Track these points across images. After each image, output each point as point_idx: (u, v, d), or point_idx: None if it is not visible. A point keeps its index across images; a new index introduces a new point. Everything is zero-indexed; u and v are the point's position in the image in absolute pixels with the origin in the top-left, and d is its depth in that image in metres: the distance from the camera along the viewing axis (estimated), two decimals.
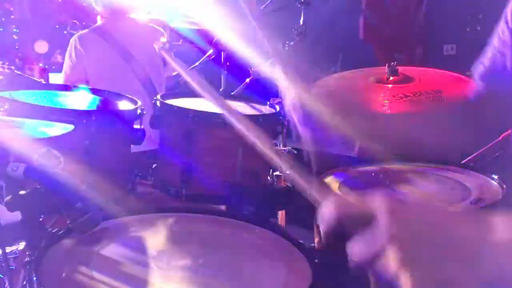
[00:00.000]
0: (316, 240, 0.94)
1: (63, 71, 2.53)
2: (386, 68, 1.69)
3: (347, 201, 0.66)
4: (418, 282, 0.58)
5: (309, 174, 0.70)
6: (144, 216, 1.23)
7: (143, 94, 2.35)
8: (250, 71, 2.03)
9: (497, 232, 0.60)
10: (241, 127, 0.83)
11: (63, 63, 2.64)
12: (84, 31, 2.60)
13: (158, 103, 1.59)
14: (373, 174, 1.70)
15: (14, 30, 4.78)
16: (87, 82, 2.42)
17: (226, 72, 2.03)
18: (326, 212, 0.66)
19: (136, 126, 1.54)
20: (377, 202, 0.62)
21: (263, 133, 0.82)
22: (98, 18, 2.59)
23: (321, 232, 0.73)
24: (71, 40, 2.48)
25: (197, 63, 2.15)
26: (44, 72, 4.66)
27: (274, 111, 1.66)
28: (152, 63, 2.44)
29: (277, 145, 1.91)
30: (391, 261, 0.58)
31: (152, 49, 2.04)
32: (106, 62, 2.44)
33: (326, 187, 0.70)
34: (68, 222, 0.96)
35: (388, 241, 0.59)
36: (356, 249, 0.62)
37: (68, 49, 2.47)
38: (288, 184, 1.92)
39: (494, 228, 0.60)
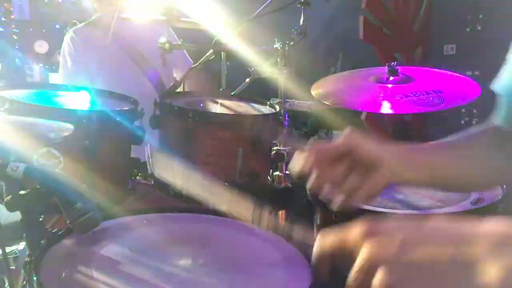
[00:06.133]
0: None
1: (61, 74, 2.35)
2: (386, 68, 1.69)
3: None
4: None
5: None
6: (144, 216, 1.23)
7: (154, 94, 2.25)
8: (250, 71, 2.03)
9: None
10: None
11: None
12: (78, 25, 2.41)
13: (158, 103, 1.59)
14: None
15: (14, 30, 4.78)
16: (91, 81, 2.28)
17: (226, 72, 2.03)
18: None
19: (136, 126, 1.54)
20: (354, 232, 0.62)
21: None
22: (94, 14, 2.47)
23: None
24: (65, 38, 2.31)
25: (197, 63, 2.14)
26: (44, 72, 4.67)
27: (274, 111, 1.66)
28: (157, 62, 2.35)
29: (277, 145, 1.91)
30: (379, 285, 0.56)
31: (155, 47, 1.98)
32: (109, 59, 2.31)
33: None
34: (68, 222, 0.96)
35: (373, 265, 0.57)
36: (351, 280, 0.61)
37: (65, 48, 2.30)
38: (288, 184, 1.92)
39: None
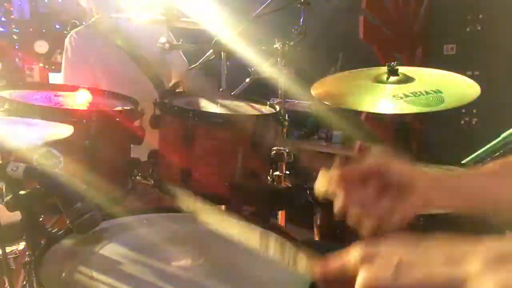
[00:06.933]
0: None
1: (62, 76, 2.35)
2: (386, 68, 1.69)
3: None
4: None
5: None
6: (144, 216, 1.23)
7: (154, 94, 2.25)
8: (250, 71, 2.03)
9: None
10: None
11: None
12: (79, 27, 2.42)
13: (158, 103, 1.59)
14: None
15: (14, 30, 4.78)
16: (94, 82, 2.27)
17: (226, 72, 2.03)
18: None
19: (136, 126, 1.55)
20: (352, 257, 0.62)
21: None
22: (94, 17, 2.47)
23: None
24: (67, 40, 2.32)
25: (197, 63, 2.15)
26: (44, 72, 4.67)
27: (274, 111, 1.66)
28: (158, 62, 2.34)
29: (277, 145, 1.91)
30: None
31: (155, 47, 1.97)
32: (113, 60, 2.31)
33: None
34: (68, 222, 0.96)
35: None
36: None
37: (67, 49, 2.31)
38: (288, 184, 1.92)
39: None
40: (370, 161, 0.84)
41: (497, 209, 0.90)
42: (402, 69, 1.69)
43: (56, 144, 1.04)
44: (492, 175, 0.91)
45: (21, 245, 1.99)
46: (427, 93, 1.60)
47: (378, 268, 0.59)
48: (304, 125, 4.34)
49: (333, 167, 0.85)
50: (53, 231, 1.04)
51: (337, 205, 0.83)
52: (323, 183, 0.86)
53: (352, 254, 0.62)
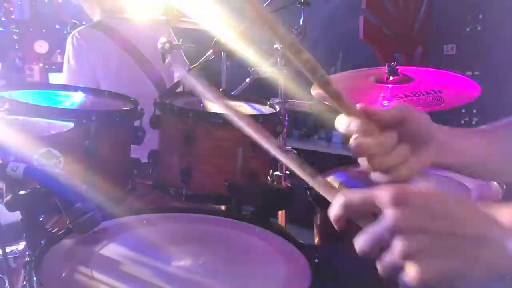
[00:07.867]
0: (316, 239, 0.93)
1: (63, 75, 2.31)
2: (386, 68, 1.69)
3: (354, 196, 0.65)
4: (425, 273, 0.57)
5: (315, 172, 0.73)
6: (144, 216, 1.23)
7: (155, 94, 2.23)
8: (250, 71, 2.03)
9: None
10: (244, 126, 0.82)
11: (63, 63, 2.53)
12: (81, 27, 2.38)
13: (158, 103, 1.59)
14: None
15: (14, 30, 4.78)
16: (95, 82, 2.25)
17: (226, 72, 2.03)
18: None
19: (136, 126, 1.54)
20: (381, 195, 0.61)
21: (267, 132, 0.83)
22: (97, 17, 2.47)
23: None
24: (69, 39, 2.28)
25: (197, 63, 2.14)
26: (44, 72, 4.67)
27: (274, 111, 1.66)
28: (158, 62, 2.34)
29: None
30: (397, 252, 0.58)
31: (155, 47, 1.97)
32: (114, 60, 2.29)
33: (330, 186, 0.74)
34: (68, 222, 0.96)
35: (392, 233, 0.58)
36: (361, 241, 0.62)
37: (70, 50, 2.28)
38: (288, 184, 1.92)
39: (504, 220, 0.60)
40: (394, 109, 0.82)
41: (483, 168, 0.90)
42: (402, 69, 1.70)
43: (56, 144, 1.04)
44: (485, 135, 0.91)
45: (21, 245, 1.99)
46: (427, 93, 1.60)
47: (407, 216, 0.58)
48: (304, 125, 4.35)
49: (356, 107, 0.84)
50: (53, 231, 1.04)
51: (354, 144, 0.80)
52: (344, 124, 0.82)
53: (381, 192, 0.61)
